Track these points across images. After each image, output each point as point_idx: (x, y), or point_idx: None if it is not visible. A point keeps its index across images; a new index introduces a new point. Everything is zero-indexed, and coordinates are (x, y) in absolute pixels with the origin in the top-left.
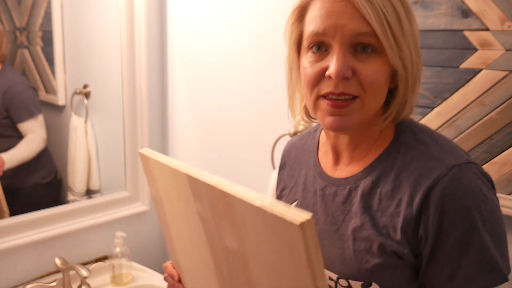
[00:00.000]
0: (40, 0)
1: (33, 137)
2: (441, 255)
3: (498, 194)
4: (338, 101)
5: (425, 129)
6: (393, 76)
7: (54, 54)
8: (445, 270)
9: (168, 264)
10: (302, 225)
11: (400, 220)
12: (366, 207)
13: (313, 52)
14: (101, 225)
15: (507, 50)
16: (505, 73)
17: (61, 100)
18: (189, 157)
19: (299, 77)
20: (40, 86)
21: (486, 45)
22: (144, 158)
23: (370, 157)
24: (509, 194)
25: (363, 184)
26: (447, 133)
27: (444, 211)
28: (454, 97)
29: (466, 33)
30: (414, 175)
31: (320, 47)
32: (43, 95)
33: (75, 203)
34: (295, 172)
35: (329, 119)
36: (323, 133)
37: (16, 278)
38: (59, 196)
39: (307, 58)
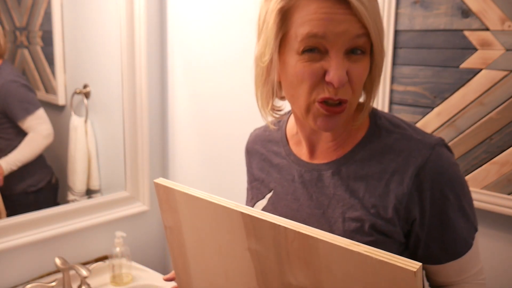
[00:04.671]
0: (40, 0)
1: (32, 135)
2: (439, 222)
3: (498, 194)
4: (334, 106)
5: (394, 116)
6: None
7: (54, 54)
8: (447, 233)
9: None
10: (416, 273)
11: (391, 199)
12: (353, 190)
13: (305, 54)
14: (101, 225)
15: (507, 50)
16: (505, 73)
17: (61, 100)
18: (188, 157)
19: (277, 77)
20: (40, 86)
21: (486, 45)
22: (162, 188)
23: (350, 144)
24: (509, 194)
25: (347, 168)
26: (447, 133)
27: (435, 186)
28: (454, 97)
29: (466, 33)
30: (401, 156)
31: (313, 49)
32: (43, 95)
33: (75, 203)
34: (265, 164)
35: (321, 121)
36: (290, 124)
37: (16, 278)
38: (55, 199)
39: (299, 59)
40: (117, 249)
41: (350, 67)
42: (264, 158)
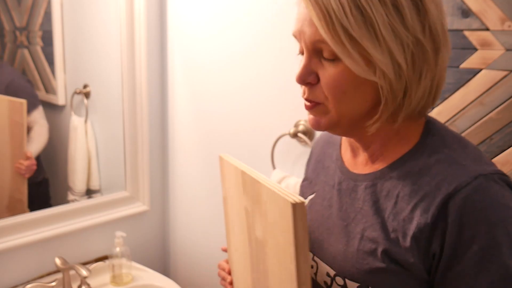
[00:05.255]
0: (40, 0)
1: (38, 129)
2: (458, 269)
3: None
4: (307, 103)
5: (456, 135)
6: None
7: (54, 54)
8: (461, 285)
9: (221, 262)
10: (295, 205)
11: (412, 227)
12: (380, 208)
13: (300, 55)
14: (101, 225)
15: (507, 50)
16: (505, 73)
17: (61, 100)
18: (188, 157)
19: None
20: (40, 86)
21: (486, 45)
22: (221, 160)
23: (392, 157)
24: None
25: (382, 184)
26: None
27: (464, 222)
28: (454, 97)
29: (466, 33)
30: (435, 180)
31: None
32: (43, 95)
33: (75, 203)
34: (318, 165)
35: (308, 117)
36: None
37: (16, 278)
38: (46, 197)
39: None
40: (117, 249)
41: (320, 70)
42: (319, 160)
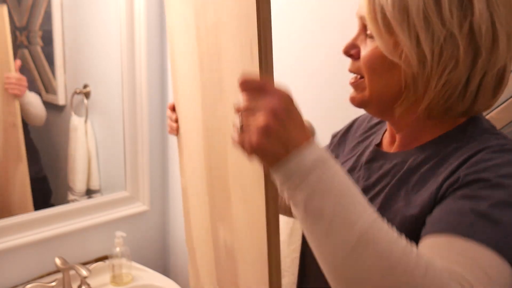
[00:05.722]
0: (40, 0)
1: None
2: (456, 194)
3: None
4: (351, 80)
5: (500, 134)
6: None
7: (54, 54)
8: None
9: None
10: None
11: (425, 198)
12: (406, 181)
13: None
14: (101, 225)
15: None
16: None
17: (61, 100)
18: None
19: None
20: (40, 86)
21: None
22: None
23: (424, 140)
24: None
25: (411, 162)
26: None
27: (472, 165)
28: None
29: None
30: (458, 160)
31: None
32: (43, 95)
33: (75, 203)
34: (353, 144)
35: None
36: None
37: (16, 278)
38: (49, 193)
39: None
40: (117, 249)
41: (362, 45)
42: (358, 138)
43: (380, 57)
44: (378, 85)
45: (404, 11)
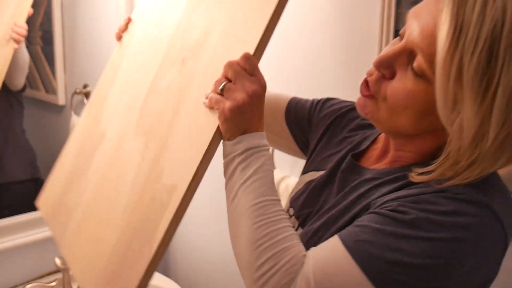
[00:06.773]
0: (40, 0)
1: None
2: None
3: None
4: (365, 91)
5: (500, 184)
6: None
7: (54, 54)
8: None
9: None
10: None
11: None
12: (363, 196)
13: None
14: None
15: None
16: None
17: (61, 100)
18: None
19: None
20: (40, 86)
21: None
22: None
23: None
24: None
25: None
26: None
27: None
28: None
29: None
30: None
31: None
32: (43, 95)
33: None
34: (341, 137)
35: (358, 98)
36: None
37: (16, 278)
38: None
39: None
40: None
41: (400, 73)
42: (334, 135)
43: (421, 102)
44: (399, 120)
45: (486, 82)
